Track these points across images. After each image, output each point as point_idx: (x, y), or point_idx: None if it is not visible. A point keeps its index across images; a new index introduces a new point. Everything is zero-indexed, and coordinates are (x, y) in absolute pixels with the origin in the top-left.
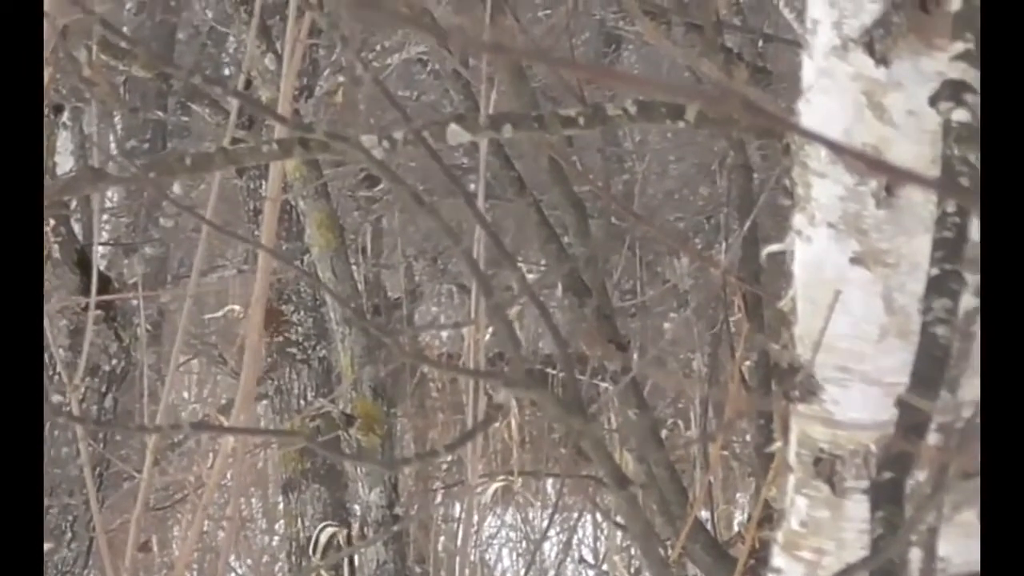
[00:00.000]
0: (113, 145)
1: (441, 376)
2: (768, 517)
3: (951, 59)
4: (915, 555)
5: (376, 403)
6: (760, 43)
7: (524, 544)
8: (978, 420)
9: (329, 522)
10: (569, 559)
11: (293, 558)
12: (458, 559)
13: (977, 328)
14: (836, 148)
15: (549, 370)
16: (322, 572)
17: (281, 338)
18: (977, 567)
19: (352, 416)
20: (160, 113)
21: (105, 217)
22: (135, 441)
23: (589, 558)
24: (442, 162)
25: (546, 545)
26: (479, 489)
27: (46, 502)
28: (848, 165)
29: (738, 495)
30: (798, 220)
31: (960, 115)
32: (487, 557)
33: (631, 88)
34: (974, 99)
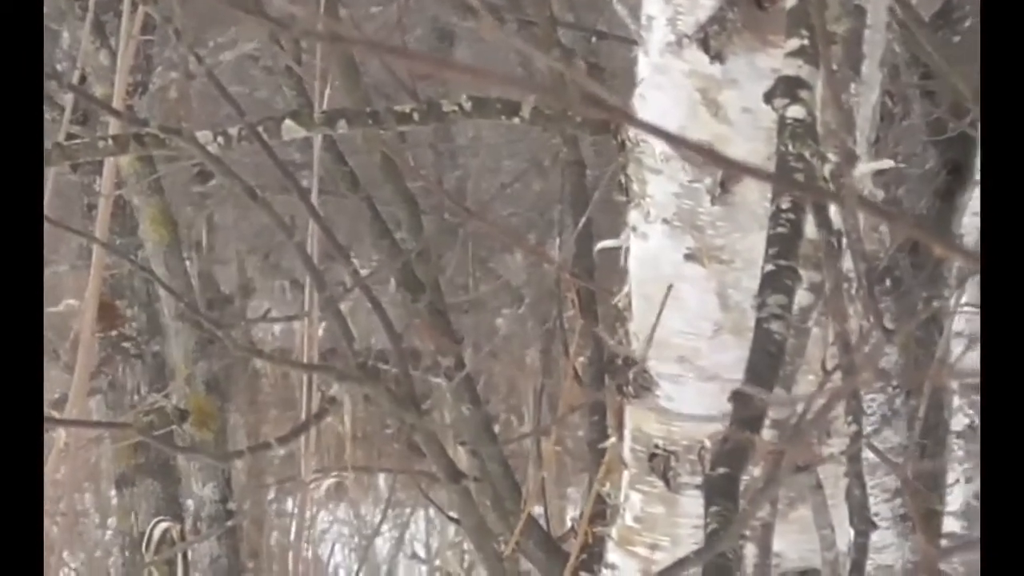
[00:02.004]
0: None
1: (274, 371)
2: (601, 513)
3: (786, 55)
4: (750, 551)
5: (209, 398)
6: (593, 39)
7: (357, 539)
8: (810, 416)
9: (162, 517)
10: (401, 554)
11: (126, 553)
12: (291, 554)
13: (811, 324)
14: (673, 140)
15: (382, 365)
16: (154, 568)
17: (115, 333)
18: (810, 562)
19: (185, 411)
20: None
21: None
22: None
23: (421, 553)
24: (276, 157)
25: (379, 540)
26: (312, 484)
27: None
28: (685, 158)
29: (570, 490)
30: (633, 216)
31: (795, 111)
32: (320, 552)
33: (467, 79)
34: (809, 95)
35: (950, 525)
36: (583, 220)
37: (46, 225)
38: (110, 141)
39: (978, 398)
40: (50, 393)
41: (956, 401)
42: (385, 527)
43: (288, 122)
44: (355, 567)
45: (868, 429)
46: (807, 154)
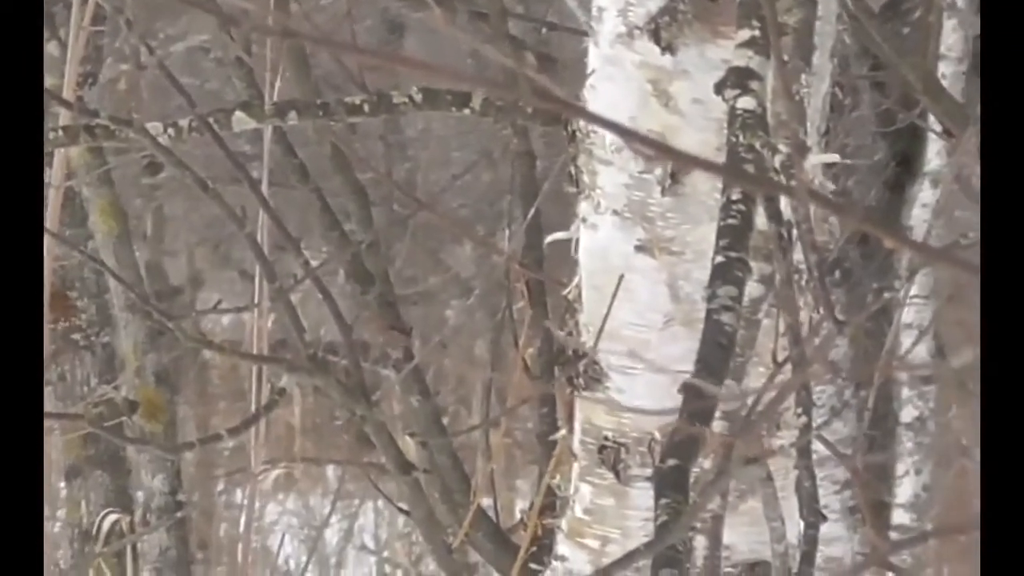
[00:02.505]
0: None
1: (224, 362)
2: (551, 505)
3: (736, 47)
4: (700, 543)
5: (159, 389)
6: (544, 31)
7: (306, 531)
8: (760, 408)
9: (112, 509)
10: (351, 545)
11: (75, 545)
12: (240, 545)
13: (762, 315)
14: (624, 133)
15: (332, 356)
16: (103, 559)
17: (65, 324)
18: (760, 554)
19: (135, 402)
20: None
21: None
22: None
23: (371, 544)
24: (227, 149)
25: (328, 532)
26: (261, 476)
27: None
28: (635, 151)
29: (519, 482)
30: (583, 207)
31: (745, 102)
32: (269, 543)
33: (419, 73)
34: (759, 86)
35: (899, 517)
36: (533, 211)
37: None
38: (60, 132)
39: (927, 389)
40: None
41: (905, 393)
42: (334, 518)
43: (239, 113)
44: (304, 558)
45: (818, 421)
46: (758, 145)
